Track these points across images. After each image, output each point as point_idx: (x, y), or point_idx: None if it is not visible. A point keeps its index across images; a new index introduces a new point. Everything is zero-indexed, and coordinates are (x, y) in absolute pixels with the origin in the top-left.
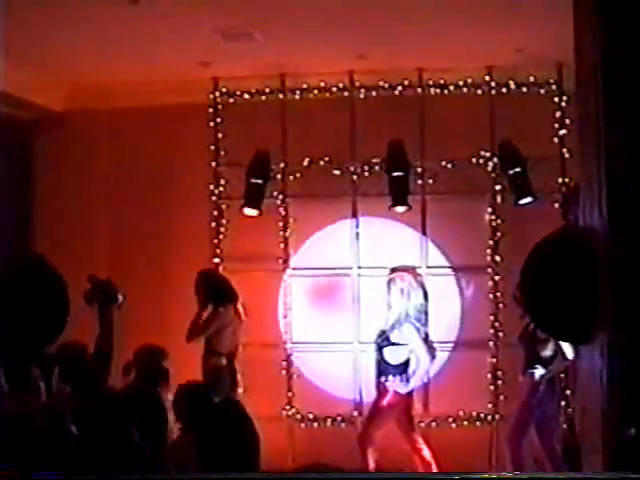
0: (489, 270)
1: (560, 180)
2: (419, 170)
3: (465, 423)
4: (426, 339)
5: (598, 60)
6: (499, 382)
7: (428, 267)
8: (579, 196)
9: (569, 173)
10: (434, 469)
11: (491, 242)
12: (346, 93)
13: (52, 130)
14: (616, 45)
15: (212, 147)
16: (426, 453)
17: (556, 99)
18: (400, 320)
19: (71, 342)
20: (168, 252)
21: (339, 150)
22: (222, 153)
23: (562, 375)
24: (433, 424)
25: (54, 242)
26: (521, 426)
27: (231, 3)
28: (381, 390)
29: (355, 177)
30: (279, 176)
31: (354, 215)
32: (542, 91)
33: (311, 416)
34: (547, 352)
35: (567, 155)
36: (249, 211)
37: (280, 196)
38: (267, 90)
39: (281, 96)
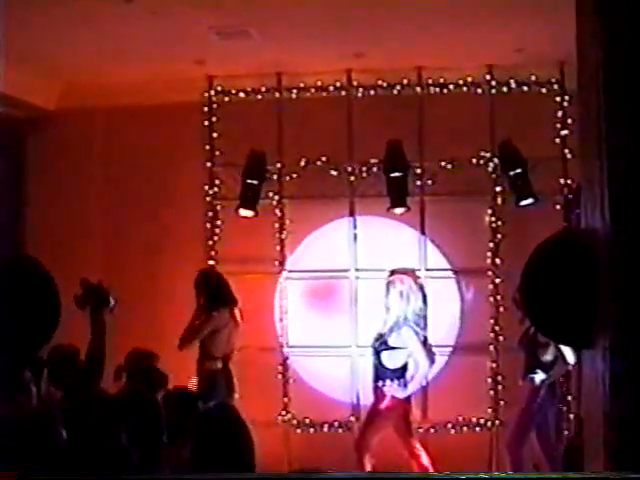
0: (489, 273)
1: (562, 181)
2: (418, 171)
3: (464, 429)
4: (425, 343)
5: (600, 60)
6: (499, 387)
7: (427, 270)
8: (580, 197)
9: (571, 174)
10: None
11: (491, 244)
12: (344, 92)
13: (45, 130)
14: (617, 45)
15: (207, 147)
16: (424, 460)
17: (558, 98)
18: (399, 323)
19: (63, 345)
20: (162, 254)
21: (336, 150)
22: (217, 153)
23: (563, 380)
24: (431, 430)
25: (46, 243)
26: (521, 432)
27: (227, 0)
28: (379, 395)
29: (353, 178)
30: (275, 176)
31: (352, 216)
32: (543, 90)
33: (307, 421)
34: (548, 356)
35: (569, 156)
36: (244, 212)
37: (276, 197)
38: (263, 89)
39: (277, 95)
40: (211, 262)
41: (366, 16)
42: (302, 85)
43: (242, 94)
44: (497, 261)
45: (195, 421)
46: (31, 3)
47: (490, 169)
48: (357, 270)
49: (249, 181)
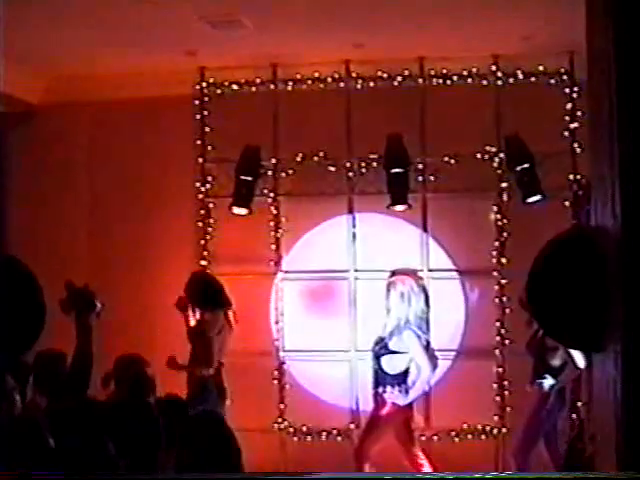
0: (495, 273)
1: (571, 177)
2: (420, 166)
3: (469, 437)
4: (427, 347)
5: (610, 50)
6: (505, 393)
7: (430, 270)
8: (590, 194)
9: (580, 169)
10: None
11: (497, 243)
12: (342, 84)
13: (28, 125)
14: (630, 35)
15: (199, 142)
16: (427, 469)
17: (567, 90)
18: (400, 327)
19: (49, 350)
20: (152, 254)
21: (334, 145)
22: (209, 148)
23: (573, 385)
24: (435, 438)
25: (29, 243)
26: (529, 440)
27: None
28: (379, 401)
29: (351, 174)
30: (270, 173)
31: (350, 214)
32: (552, 81)
33: (304, 429)
34: (557, 361)
35: (578, 150)
36: (238, 210)
37: (271, 194)
38: (257, 81)
39: (273, 87)
40: (203, 262)
41: (365, 4)
42: (298, 77)
43: (235, 86)
44: (503, 261)
45: (181, 428)
46: None
47: (495, 164)
48: (356, 271)
49: (243, 177)
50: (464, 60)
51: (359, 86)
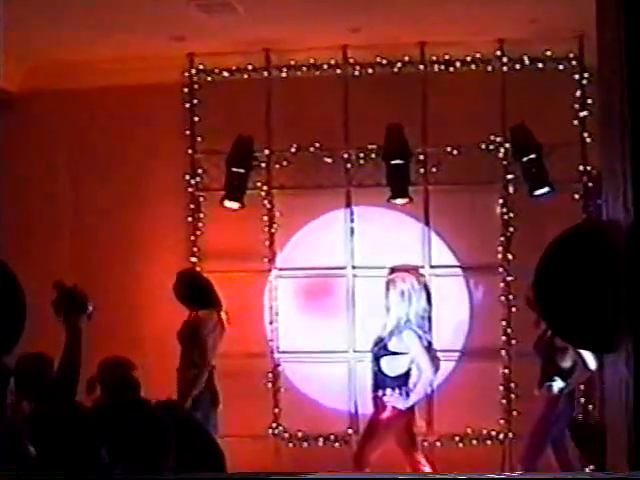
0: (500, 270)
1: (580, 168)
2: (421, 158)
3: (474, 442)
4: (429, 348)
5: (622, 40)
6: (512, 396)
7: (432, 267)
8: (601, 186)
9: (590, 160)
10: None
11: (502, 238)
12: (339, 71)
13: (6, 114)
14: None
15: (188, 132)
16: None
17: (576, 76)
18: (400, 326)
19: (33, 354)
20: (139, 250)
21: (331, 135)
22: (199, 139)
23: (583, 388)
24: (437, 443)
25: (8, 240)
26: (537, 446)
27: None
28: (379, 405)
29: (349, 166)
30: (263, 165)
31: (348, 208)
32: (560, 67)
33: (300, 435)
34: (566, 362)
35: (588, 140)
36: (230, 204)
37: (265, 187)
38: (250, 67)
39: (265, 74)
40: (193, 259)
41: None
42: (292, 63)
43: (226, 73)
44: (509, 257)
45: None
46: None
47: (501, 155)
48: (354, 267)
49: (235, 170)
50: (467, 45)
51: (357, 73)
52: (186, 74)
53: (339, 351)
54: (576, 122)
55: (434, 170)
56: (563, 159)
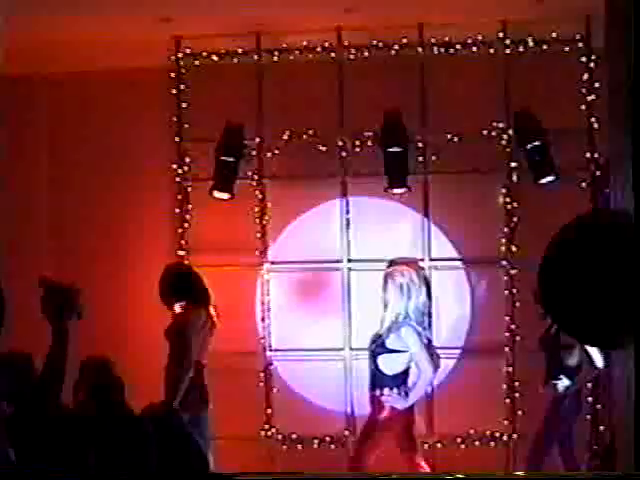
0: (504, 262)
1: (588, 155)
2: (420, 145)
3: (476, 444)
4: (428, 345)
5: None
6: (516, 395)
7: (432, 259)
8: (610, 174)
9: (598, 147)
10: None
11: (506, 229)
12: (333, 54)
13: None
14: None
15: (174, 119)
16: None
17: (583, 58)
18: (398, 322)
19: (13, 352)
20: (123, 244)
21: (325, 122)
22: (186, 126)
23: (591, 386)
24: (438, 445)
25: None
26: (542, 447)
27: None
28: (376, 405)
29: (344, 154)
30: (254, 153)
31: (343, 198)
32: (566, 49)
33: (294, 436)
34: (573, 359)
35: (596, 125)
36: (219, 195)
37: (256, 177)
38: (239, 51)
39: (256, 58)
40: (181, 253)
41: None
42: (284, 46)
43: (215, 57)
44: (513, 249)
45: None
46: None
47: (504, 142)
48: (350, 261)
49: (224, 158)
50: (468, 26)
51: (352, 56)
52: (172, 58)
53: (334, 349)
54: (583, 107)
55: (434, 158)
56: (569, 146)
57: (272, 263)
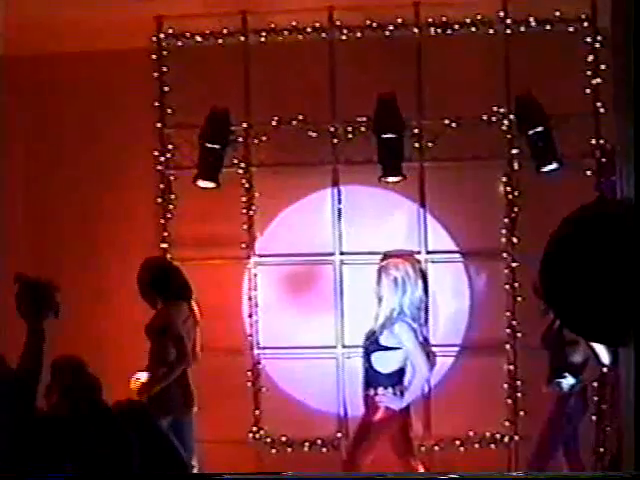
0: (504, 255)
1: (593, 142)
2: (416, 131)
3: (476, 446)
4: (425, 342)
5: None
6: (518, 395)
7: (428, 252)
8: (616, 161)
9: (604, 133)
10: None
11: (507, 220)
12: (324, 35)
13: None
14: None
15: (156, 104)
16: None
17: (588, 39)
18: (393, 318)
19: None
20: (102, 237)
21: (316, 107)
22: (169, 111)
23: (597, 385)
24: (436, 447)
25: None
26: (546, 449)
27: None
28: (370, 405)
29: (336, 141)
30: (241, 140)
31: (335, 187)
32: (571, 29)
33: (284, 439)
34: (578, 356)
35: (602, 110)
36: (204, 184)
37: (242, 165)
38: (225, 31)
39: (242, 39)
40: (164, 245)
41: None
42: (273, 26)
43: (199, 38)
44: (514, 240)
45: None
46: None
47: (505, 128)
48: (342, 254)
49: (209, 145)
50: (467, 5)
51: (344, 37)
52: (154, 39)
53: (326, 346)
54: (588, 91)
55: (430, 145)
56: (574, 132)
57: (260, 256)
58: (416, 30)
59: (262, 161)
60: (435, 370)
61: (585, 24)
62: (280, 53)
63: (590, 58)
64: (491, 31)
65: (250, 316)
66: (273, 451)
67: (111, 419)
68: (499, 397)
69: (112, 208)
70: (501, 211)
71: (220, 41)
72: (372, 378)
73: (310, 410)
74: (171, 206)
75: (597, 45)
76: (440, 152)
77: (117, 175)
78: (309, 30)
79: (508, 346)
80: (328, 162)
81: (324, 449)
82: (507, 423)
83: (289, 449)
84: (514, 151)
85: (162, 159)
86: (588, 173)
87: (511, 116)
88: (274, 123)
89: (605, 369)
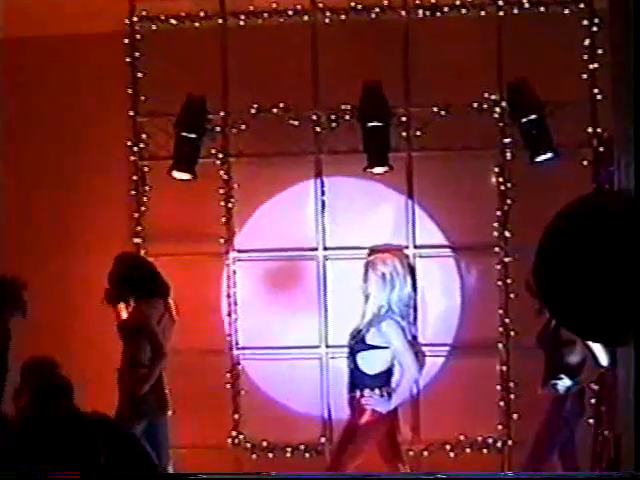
0: (497, 250)
1: (590, 130)
2: (403, 119)
3: (467, 450)
4: (413, 341)
5: None
6: (511, 397)
7: (417, 247)
8: (614, 151)
9: (602, 121)
10: None
11: (499, 213)
12: (306, 17)
13: None
14: None
15: (130, 91)
16: None
17: (585, 22)
18: (380, 316)
19: None
20: (72, 231)
21: (297, 94)
22: (142, 99)
23: (594, 386)
24: (425, 452)
25: None
26: (541, 454)
27: None
28: (356, 408)
29: (319, 129)
30: (218, 129)
31: (318, 178)
32: (566, 11)
33: (265, 444)
34: (575, 357)
35: (599, 97)
36: (179, 175)
37: (220, 155)
38: (202, 14)
39: (220, 22)
40: (137, 240)
41: None
42: (252, 9)
43: (174, 21)
44: (506, 234)
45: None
46: None
47: (497, 116)
48: (326, 249)
49: (185, 135)
50: None
51: (327, 20)
52: (126, 22)
53: (309, 346)
54: (585, 76)
55: (418, 134)
56: (569, 120)
57: (239, 252)
58: (403, 12)
59: (241, 151)
60: (424, 371)
61: (581, 5)
62: (260, 37)
63: (586, 42)
64: (482, 13)
65: (229, 315)
66: (253, 456)
67: (79, 422)
68: (491, 399)
69: (83, 201)
70: (493, 203)
71: (197, 24)
72: (358, 379)
73: (292, 413)
74: (145, 198)
75: (594, 28)
76: (429, 141)
77: (89, 165)
78: (290, 13)
79: (501, 345)
80: (311, 152)
81: (307, 454)
82: (500, 427)
83: (270, 454)
84: (507, 140)
85: (135, 149)
86: (585, 163)
87: (503, 103)
88: (253, 111)
89: (603, 370)
